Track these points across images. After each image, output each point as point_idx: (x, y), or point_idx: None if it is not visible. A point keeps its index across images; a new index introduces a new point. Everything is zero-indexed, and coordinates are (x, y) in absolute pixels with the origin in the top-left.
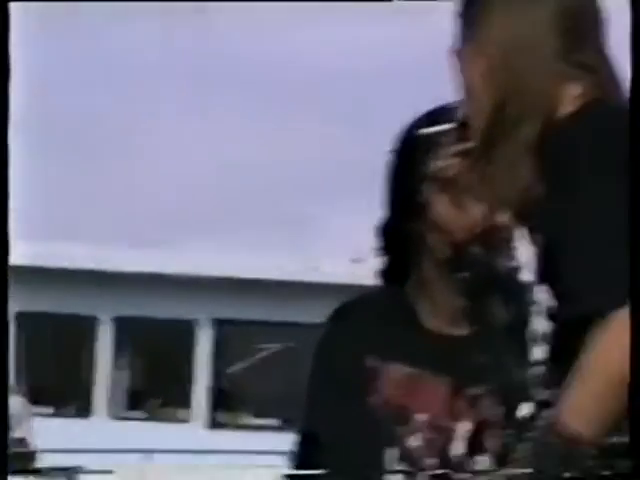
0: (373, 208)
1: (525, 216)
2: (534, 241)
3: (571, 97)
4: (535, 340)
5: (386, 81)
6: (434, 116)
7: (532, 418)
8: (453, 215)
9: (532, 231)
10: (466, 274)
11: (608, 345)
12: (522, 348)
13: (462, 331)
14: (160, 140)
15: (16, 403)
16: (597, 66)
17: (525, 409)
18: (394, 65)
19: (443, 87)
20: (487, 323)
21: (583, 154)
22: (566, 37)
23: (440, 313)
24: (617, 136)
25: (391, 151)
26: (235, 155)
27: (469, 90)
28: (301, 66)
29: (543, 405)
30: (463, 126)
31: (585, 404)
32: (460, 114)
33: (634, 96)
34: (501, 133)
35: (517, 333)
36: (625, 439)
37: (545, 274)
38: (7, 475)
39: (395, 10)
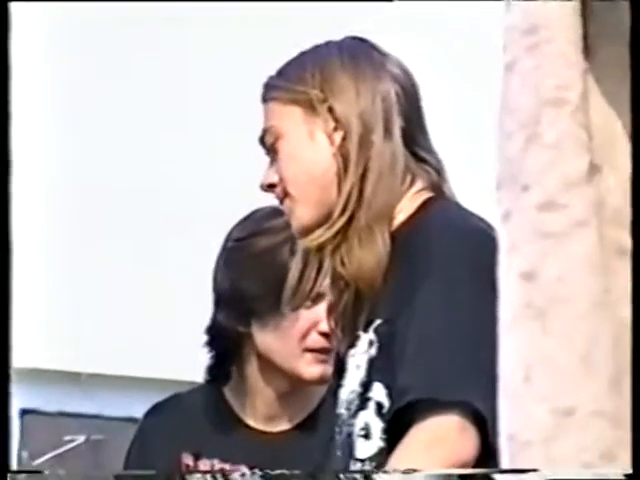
0: None
1: (373, 306)
2: (378, 333)
3: (413, 195)
4: (366, 437)
5: None
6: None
7: None
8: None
9: (379, 322)
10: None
11: (404, 453)
12: (348, 445)
13: (281, 427)
14: None
15: None
16: (432, 159)
17: None
18: None
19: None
20: (308, 420)
21: (432, 255)
22: (407, 122)
23: (258, 411)
24: (468, 238)
25: (220, 252)
26: None
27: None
28: None
29: None
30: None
31: None
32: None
33: (634, 94)
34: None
35: (341, 431)
36: None
37: (382, 369)
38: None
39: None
